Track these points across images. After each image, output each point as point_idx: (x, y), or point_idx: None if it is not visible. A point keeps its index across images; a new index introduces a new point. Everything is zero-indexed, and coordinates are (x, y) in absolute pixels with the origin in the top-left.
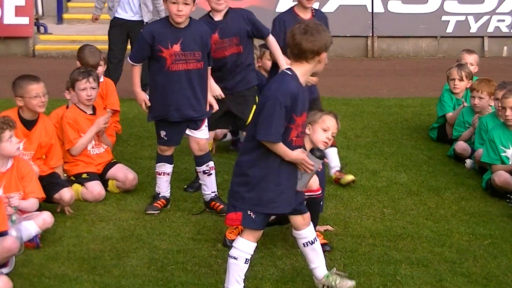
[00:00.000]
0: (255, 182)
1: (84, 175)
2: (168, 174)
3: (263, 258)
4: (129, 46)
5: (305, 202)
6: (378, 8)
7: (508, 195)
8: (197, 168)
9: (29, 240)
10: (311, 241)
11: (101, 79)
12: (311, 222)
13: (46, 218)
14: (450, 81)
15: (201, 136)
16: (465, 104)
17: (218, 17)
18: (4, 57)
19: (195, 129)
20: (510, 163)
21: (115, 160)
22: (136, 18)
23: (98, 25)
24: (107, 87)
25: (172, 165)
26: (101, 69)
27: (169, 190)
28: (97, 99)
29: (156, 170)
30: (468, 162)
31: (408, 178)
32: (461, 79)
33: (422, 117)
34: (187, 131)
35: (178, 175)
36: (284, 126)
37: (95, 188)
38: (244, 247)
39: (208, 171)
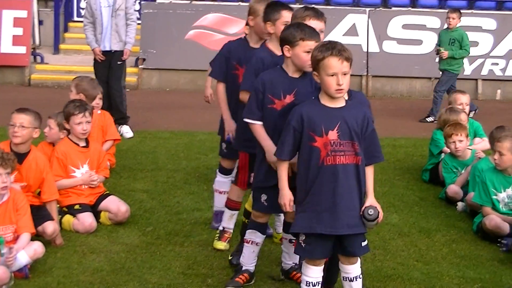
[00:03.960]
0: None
1: (77, 206)
2: (257, 245)
3: None
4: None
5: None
6: (374, 47)
7: (499, 239)
8: (285, 234)
9: (18, 270)
10: (350, 278)
11: (99, 111)
12: (358, 262)
13: (37, 248)
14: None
15: None
16: None
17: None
18: None
19: None
20: (500, 206)
21: (108, 192)
22: (116, 48)
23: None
24: (105, 119)
25: (264, 236)
26: (100, 101)
27: (255, 263)
28: (97, 131)
29: (244, 237)
30: (460, 204)
31: (400, 219)
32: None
33: (414, 158)
34: None
35: (170, 208)
36: (290, 143)
37: (86, 219)
38: (304, 269)
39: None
